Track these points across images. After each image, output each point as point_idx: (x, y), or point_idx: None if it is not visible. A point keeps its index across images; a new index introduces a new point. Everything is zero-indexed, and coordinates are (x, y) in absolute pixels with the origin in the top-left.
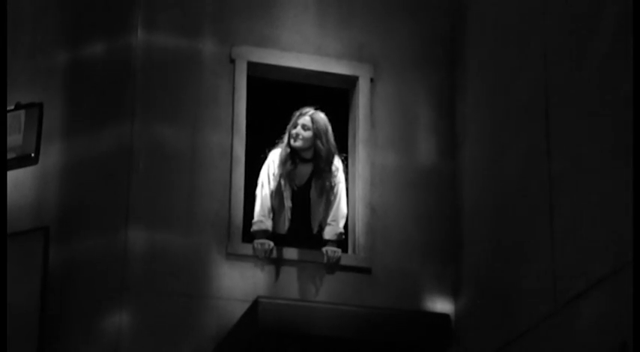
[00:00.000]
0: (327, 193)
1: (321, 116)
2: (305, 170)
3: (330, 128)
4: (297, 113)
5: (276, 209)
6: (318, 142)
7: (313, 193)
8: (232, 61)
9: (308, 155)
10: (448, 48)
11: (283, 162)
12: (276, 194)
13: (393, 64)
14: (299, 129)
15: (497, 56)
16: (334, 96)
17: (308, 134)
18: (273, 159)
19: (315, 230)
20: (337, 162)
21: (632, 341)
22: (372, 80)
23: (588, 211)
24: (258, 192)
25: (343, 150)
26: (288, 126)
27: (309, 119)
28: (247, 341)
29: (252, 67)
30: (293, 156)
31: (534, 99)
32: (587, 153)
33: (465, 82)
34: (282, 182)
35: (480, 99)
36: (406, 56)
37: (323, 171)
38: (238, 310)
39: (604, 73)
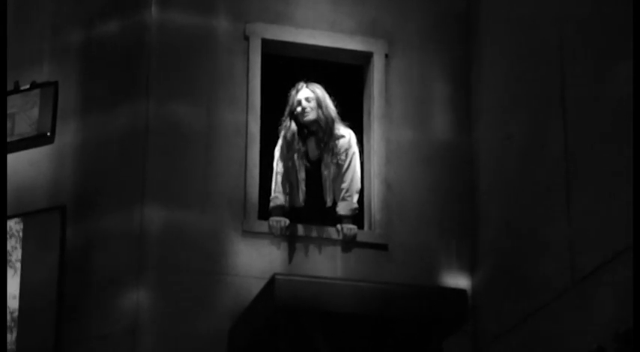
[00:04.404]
0: (335, 165)
1: (317, 85)
2: (315, 143)
3: (327, 96)
4: (294, 91)
5: (293, 183)
6: (320, 112)
7: (323, 166)
8: (246, 39)
9: (315, 127)
10: (463, 23)
11: (290, 143)
12: (292, 169)
13: (407, 40)
14: (304, 102)
15: (512, 30)
16: (349, 72)
17: (313, 104)
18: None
19: (329, 203)
20: (349, 135)
21: None
22: (386, 56)
23: (605, 185)
24: (274, 168)
25: (358, 126)
26: (289, 106)
27: (308, 90)
28: (264, 318)
29: (266, 44)
30: (301, 132)
31: (550, 73)
32: (604, 127)
33: (480, 57)
34: (295, 157)
35: (495, 74)
36: (421, 31)
37: (324, 142)
38: (255, 287)
39: (618, 44)
